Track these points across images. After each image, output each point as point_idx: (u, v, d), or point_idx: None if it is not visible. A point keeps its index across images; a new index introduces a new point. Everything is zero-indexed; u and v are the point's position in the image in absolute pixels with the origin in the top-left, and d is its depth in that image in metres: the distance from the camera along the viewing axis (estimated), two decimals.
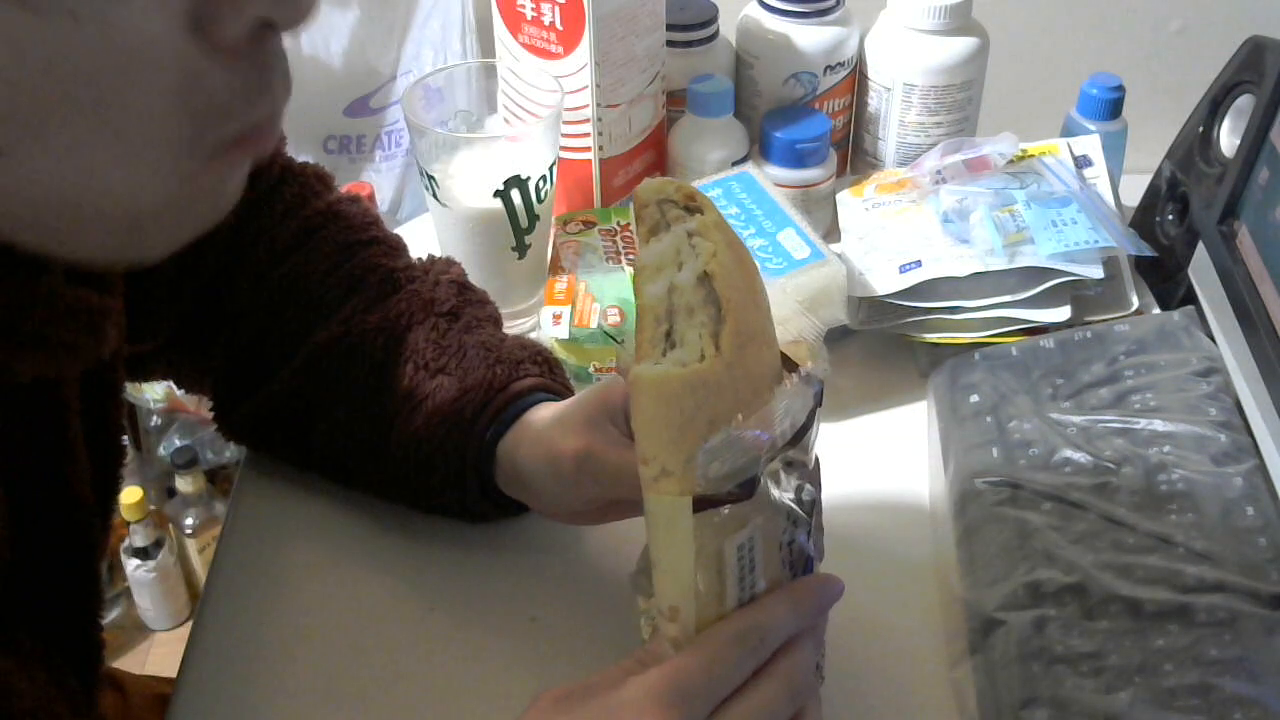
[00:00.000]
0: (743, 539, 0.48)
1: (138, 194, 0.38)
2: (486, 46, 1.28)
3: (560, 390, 0.69)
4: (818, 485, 0.55)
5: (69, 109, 0.35)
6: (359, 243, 0.72)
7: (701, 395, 0.45)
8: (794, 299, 0.78)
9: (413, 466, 0.68)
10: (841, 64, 0.93)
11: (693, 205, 0.48)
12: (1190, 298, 0.81)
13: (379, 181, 1.51)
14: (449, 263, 0.74)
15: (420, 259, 0.74)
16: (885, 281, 0.81)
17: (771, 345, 0.48)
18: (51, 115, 0.35)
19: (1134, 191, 0.92)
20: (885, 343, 0.84)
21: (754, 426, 0.46)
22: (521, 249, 0.83)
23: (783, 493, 0.49)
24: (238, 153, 0.40)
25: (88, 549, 0.56)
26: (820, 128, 0.91)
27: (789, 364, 0.51)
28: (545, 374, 0.69)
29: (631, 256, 0.84)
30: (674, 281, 0.46)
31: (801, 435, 0.48)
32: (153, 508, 1.69)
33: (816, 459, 0.58)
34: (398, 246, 0.74)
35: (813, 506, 0.52)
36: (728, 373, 0.45)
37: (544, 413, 0.65)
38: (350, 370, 0.69)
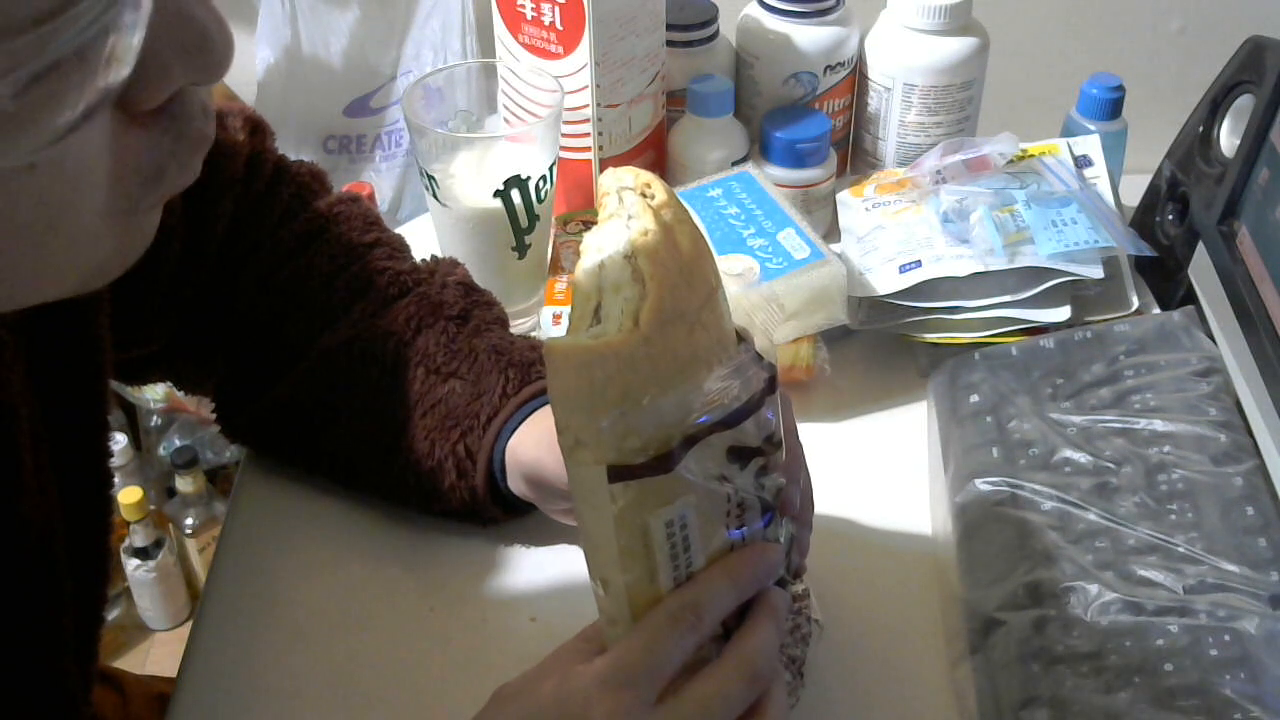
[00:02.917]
0: (671, 516, 0.48)
1: (84, 270, 0.39)
2: (486, 46, 1.28)
3: None
4: (797, 480, 0.55)
5: (21, 237, 0.36)
6: (363, 245, 0.72)
7: (612, 367, 0.45)
8: (794, 299, 0.78)
9: (424, 470, 0.68)
10: (841, 64, 0.93)
11: (648, 191, 0.49)
12: (1190, 298, 0.81)
13: (379, 181, 1.51)
14: (453, 264, 0.74)
15: (424, 260, 0.75)
16: (885, 281, 0.81)
17: (710, 330, 0.48)
18: (6, 247, 0.36)
19: (1134, 191, 0.92)
20: (885, 343, 0.84)
21: (672, 402, 0.46)
22: (521, 249, 0.83)
23: (729, 477, 0.49)
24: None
25: (44, 590, 0.54)
26: (820, 128, 0.91)
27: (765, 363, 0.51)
28: None
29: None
30: (603, 259, 0.47)
31: (740, 419, 0.48)
32: (153, 508, 1.69)
33: (799, 451, 0.58)
34: (401, 248, 0.74)
35: (777, 496, 0.52)
36: (644, 348, 0.45)
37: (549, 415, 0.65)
38: (360, 374, 0.69)
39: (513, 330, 0.74)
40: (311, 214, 0.73)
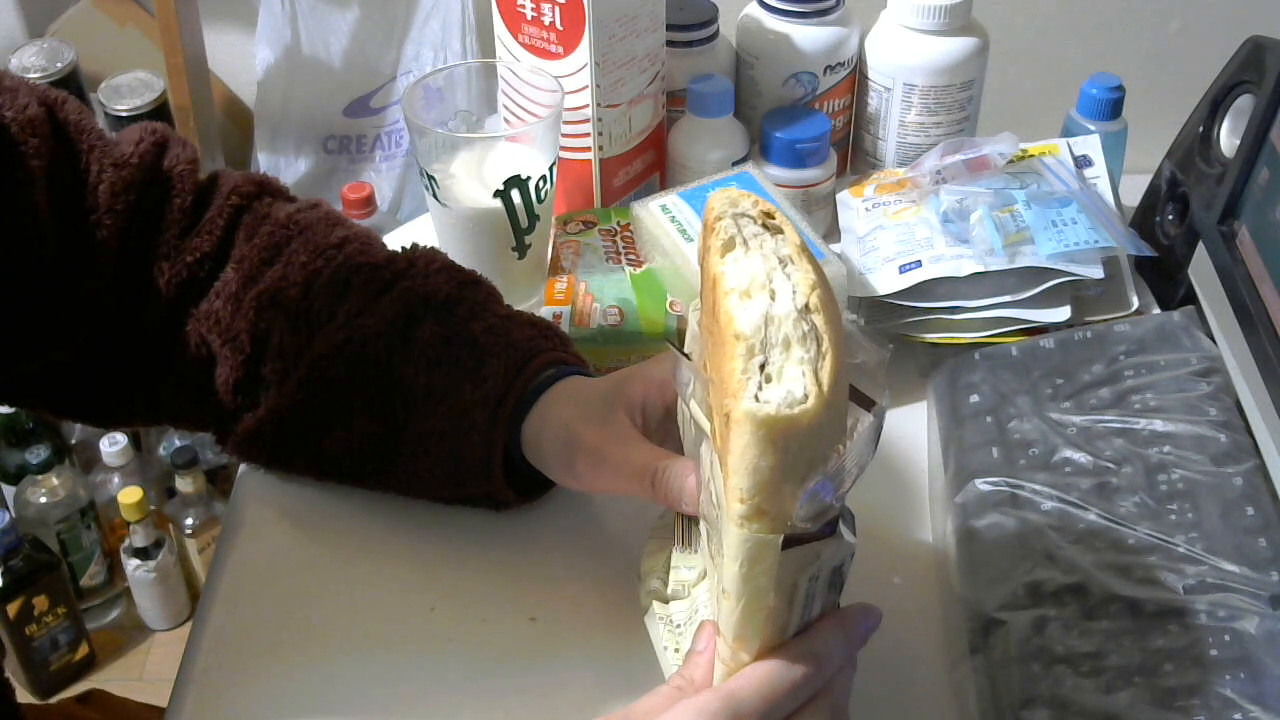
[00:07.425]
0: (814, 571, 0.48)
1: None
2: (486, 46, 1.29)
3: (572, 360, 0.70)
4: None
5: None
6: (331, 245, 0.71)
7: (805, 437, 0.43)
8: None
9: (435, 460, 0.68)
10: (841, 64, 0.93)
11: (771, 224, 0.47)
12: (1190, 298, 0.81)
13: (379, 181, 1.51)
14: (433, 251, 0.73)
15: (403, 248, 0.74)
16: (885, 281, 0.81)
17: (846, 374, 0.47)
18: None
19: (1134, 191, 0.92)
20: None
21: (845, 465, 0.45)
22: (521, 249, 0.83)
23: (844, 523, 0.49)
24: None
25: None
26: (820, 128, 0.91)
27: (854, 393, 0.49)
28: (557, 346, 0.70)
29: (631, 256, 0.84)
30: (770, 312, 0.44)
31: (866, 466, 0.48)
32: (153, 508, 1.69)
33: None
34: (370, 239, 0.74)
35: (854, 524, 0.52)
36: (827, 413, 0.43)
37: (566, 394, 0.66)
38: (357, 376, 0.69)
39: None
40: (271, 227, 0.72)
